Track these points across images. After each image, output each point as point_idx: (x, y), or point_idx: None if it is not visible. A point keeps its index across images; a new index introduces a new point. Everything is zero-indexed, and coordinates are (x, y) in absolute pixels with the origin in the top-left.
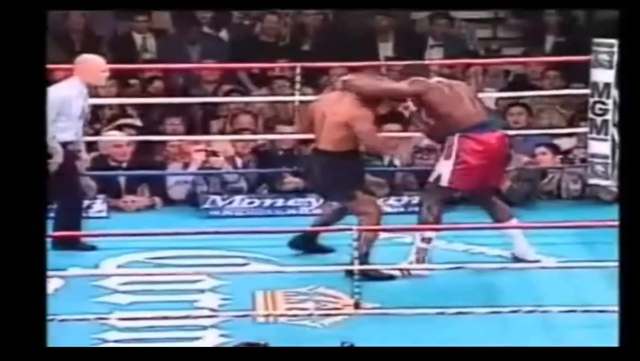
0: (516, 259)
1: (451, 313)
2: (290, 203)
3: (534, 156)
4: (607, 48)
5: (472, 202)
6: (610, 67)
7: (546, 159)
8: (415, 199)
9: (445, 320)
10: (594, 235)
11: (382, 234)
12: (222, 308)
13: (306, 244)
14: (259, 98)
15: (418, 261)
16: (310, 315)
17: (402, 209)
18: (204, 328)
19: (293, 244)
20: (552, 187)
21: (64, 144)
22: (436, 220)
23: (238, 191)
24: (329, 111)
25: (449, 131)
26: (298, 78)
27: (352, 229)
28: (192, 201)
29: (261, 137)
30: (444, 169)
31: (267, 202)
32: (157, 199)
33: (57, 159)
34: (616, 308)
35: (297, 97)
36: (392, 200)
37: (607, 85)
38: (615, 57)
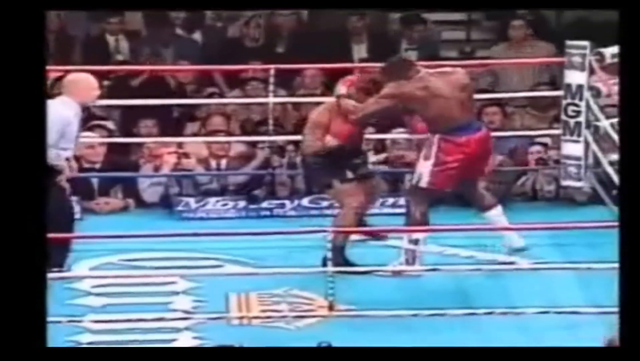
0: (512, 251)
1: (426, 315)
2: (264, 205)
3: (525, 154)
4: (580, 50)
5: (451, 203)
6: (583, 69)
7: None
8: (390, 200)
9: (421, 321)
10: (567, 237)
11: (359, 236)
12: (196, 310)
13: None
14: (234, 100)
15: (408, 262)
16: (284, 316)
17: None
18: (178, 330)
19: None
20: (526, 188)
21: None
22: (422, 221)
23: (211, 193)
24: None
25: (431, 131)
26: (272, 80)
27: (325, 231)
28: (166, 203)
29: (250, 139)
30: (424, 170)
31: (241, 204)
32: (131, 201)
33: (66, 175)
34: (590, 309)
35: (271, 99)
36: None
37: (579, 87)
38: (588, 60)
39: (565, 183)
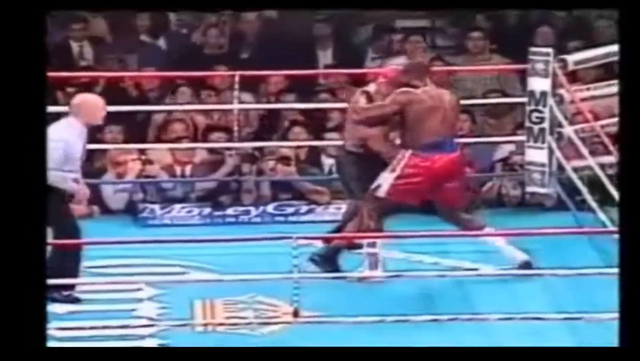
0: (523, 266)
1: (390, 321)
2: (229, 212)
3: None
4: (543, 57)
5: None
6: (546, 75)
7: None
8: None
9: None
10: (531, 243)
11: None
12: (161, 317)
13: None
14: (199, 106)
15: (371, 266)
16: (249, 323)
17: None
18: (142, 337)
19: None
20: (492, 194)
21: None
22: (376, 226)
23: (176, 200)
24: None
25: (407, 145)
26: (237, 86)
27: (291, 238)
28: (130, 209)
29: (218, 146)
30: (385, 181)
31: (206, 211)
32: (95, 208)
33: (80, 197)
34: (553, 315)
35: (236, 105)
36: (333, 208)
37: (543, 93)
38: (551, 66)
39: (530, 189)
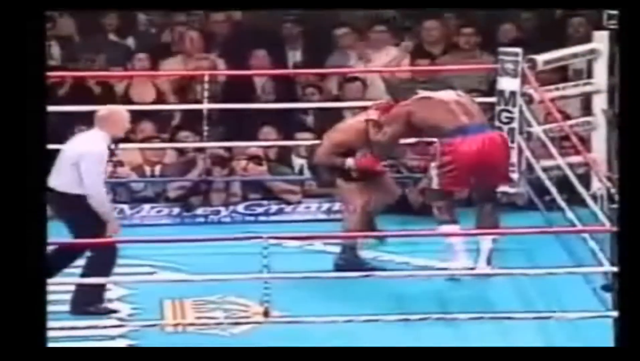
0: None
1: (360, 321)
2: (199, 211)
3: None
4: (512, 57)
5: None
6: (516, 75)
7: None
8: (325, 206)
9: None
10: (501, 242)
11: (294, 242)
12: (130, 317)
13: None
14: (169, 106)
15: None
16: (219, 323)
17: (324, 216)
18: (112, 338)
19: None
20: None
21: None
22: (451, 218)
23: (146, 200)
24: None
25: (438, 137)
26: (206, 86)
27: (261, 238)
28: None
29: (194, 145)
30: (432, 173)
31: (176, 211)
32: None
33: (114, 228)
34: (524, 315)
35: (206, 105)
36: (302, 207)
37: (512, 93)
38: (520, 66)
39: (500, 188)
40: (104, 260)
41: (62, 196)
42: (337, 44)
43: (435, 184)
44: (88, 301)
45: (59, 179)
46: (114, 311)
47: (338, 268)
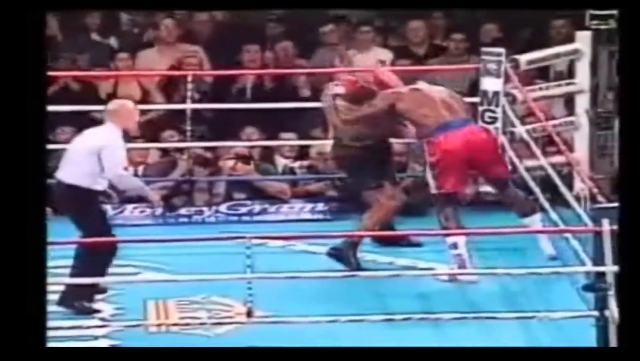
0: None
1: (344, 321)
2: (183, 212)
3: None
4: (495, 57)
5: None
6: (499, 75)
7: None
8: (309, 206)
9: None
10: (480, 242)
11: (278, 242)
12: (114, 317)
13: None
14: (151, 106)
15: (461, 267)
16: (202, 323)
17: (308, 216)
18: (96, 338)
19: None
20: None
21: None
22: (452, 226)
23: (129, 200)
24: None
25: (421, 137)
26: (190, 86)
27: (245, 237)
28: None
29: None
30: (428, 177)
31: (159, 211)
32: (48, 209)
33: (155, 199)
34: (508, 315)
35: (189, 105)
36: (286, 207)
37: (496, 93)
38: (503, 66)
39: (483, 188)
40: (104, 259)
41: (71, 188)
42: (324, 42)
43: (433, 188)
44: (77, 297)
45: (70, 171)
46: (97, 311)
47: (330, 256)
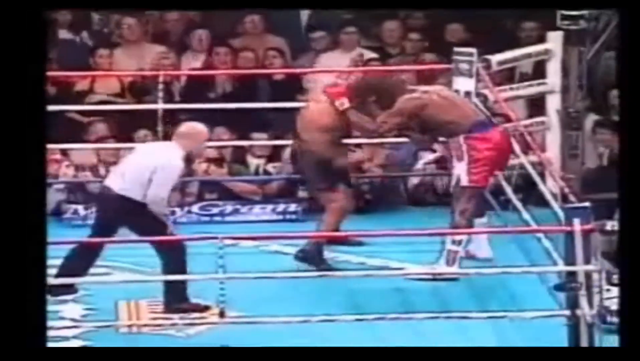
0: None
1: (317, 321)
2: None
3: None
4: (467, 57)
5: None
6: (471, 75)
7: None
8: (281, 207)
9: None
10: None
11: (250, 242)
12: (85, 318)
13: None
14: (124, 106)
15: (448, 263)
16: (174, 324)
17: (280, 217)
18: (67, 339)
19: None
20: (420, 192)
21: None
22: (466, 223)
23: None
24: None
25: (451, 135)
26: (160, 86)
27: (217, 238)
28: (55, 210)
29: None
30: (461, 171)
31: None
32: (84, 209)
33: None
34: (479, 315)
35: (160, 105)
36: (258, 208)
37: (468, 93)
38: (475, 66)
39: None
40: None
41: (122, 199)
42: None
43: (464, 181)
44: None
45: (128, 184)
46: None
47: (297, 259)
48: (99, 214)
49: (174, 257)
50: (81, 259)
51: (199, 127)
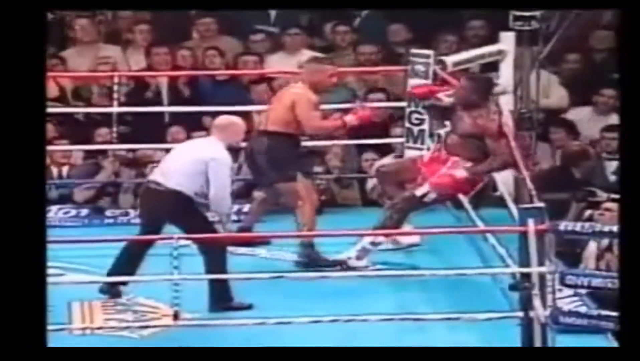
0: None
1: (272, 323)
2: (108, 213)
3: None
4: (423, 59)
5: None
6: (427, 77)
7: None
8: (245, 208)
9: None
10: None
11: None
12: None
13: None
14: (81, 109)
15: (359, 258)
16: (127, 327)
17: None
18: None
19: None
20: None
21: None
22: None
23: (54, 201)
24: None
25: None
26: (116, 87)
27: (173, 238)
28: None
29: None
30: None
31: (84, 212)
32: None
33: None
34: (434, 315)
35: (115, 109)
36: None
37: None
38: (431, 68)
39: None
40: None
41: (174, 194)
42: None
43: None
44: None
45: (182, 178)
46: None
47: (302, 265)
48: (147, 211)
49: (216, 257)
50: (129, 260)
51: (236, 119)
